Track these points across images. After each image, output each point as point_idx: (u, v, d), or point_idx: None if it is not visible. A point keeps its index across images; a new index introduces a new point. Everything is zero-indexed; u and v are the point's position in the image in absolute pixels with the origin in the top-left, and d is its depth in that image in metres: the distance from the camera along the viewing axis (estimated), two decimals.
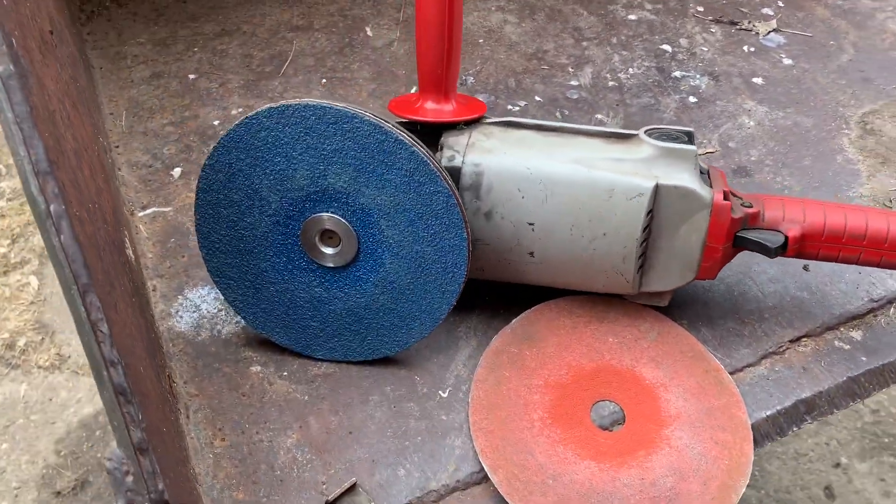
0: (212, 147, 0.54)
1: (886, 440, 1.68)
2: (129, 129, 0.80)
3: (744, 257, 0.67)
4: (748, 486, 1.63)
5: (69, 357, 1.80)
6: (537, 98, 0.82)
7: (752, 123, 0.79)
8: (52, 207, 0.38)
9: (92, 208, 0.46)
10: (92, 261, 0.40)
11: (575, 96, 0.82)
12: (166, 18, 0.94)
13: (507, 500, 0.52)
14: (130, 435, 0.38)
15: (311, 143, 0.52)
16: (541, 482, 0.52)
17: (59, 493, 1.67)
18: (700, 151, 0.76)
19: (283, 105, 0.51)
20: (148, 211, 0.71)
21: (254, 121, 0.52)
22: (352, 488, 0.51)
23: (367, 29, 0.92)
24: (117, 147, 0.78)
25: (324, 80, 0.85)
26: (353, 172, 0.53)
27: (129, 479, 0.37)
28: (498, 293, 0.64)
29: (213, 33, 0.91)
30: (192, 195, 0.72)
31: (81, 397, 1.85)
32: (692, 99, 0.82)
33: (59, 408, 1.77)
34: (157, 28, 0.92)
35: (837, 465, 1.65)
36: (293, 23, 0.93)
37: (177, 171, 0.75)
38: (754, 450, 0.55)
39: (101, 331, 0.38)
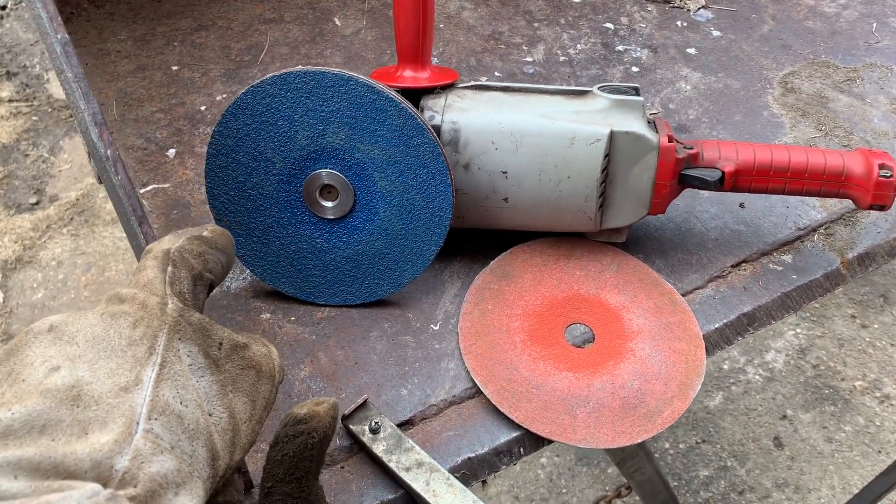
0: (220, 116, 0.60)
1: (827, 391, 1.81)
2: (120, 116, 0.85)
3: (688, 200, 0.76)
4: (705, 442, 1.74)
5: None
6: (497, 73, 0.91)
7: (688, 88, 0.89)
8: (108, 152, 0.44)
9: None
10: (139, 199, 0.46)
11: (531, 71, 0.91)
12: (143, 17, 0.99)
13: (499, 407, 0.59)
14: None
15: (310, 106, 0.59)
16: (526, 391, 0.60)
17: None
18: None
19: (286, 72, 0.58)
20: (149, 188, 0.77)
21: (258, 88, 0.59)
22: (363, 404, 0.58)
23: (336, 19, 0.99)
24: (112, 133, 0.83)
25: (299, 66, 0.91)
26: (348, 130, 0.60)
27: None
28: (477, 242, 0.72)
29: (190, 28, 0.97)
30: (188, 172, 0.78)
31: None
32: (635, 69, 0.91)
33: None
34: (135, 26, 0.98)
35: (784, 416, 1.77)
36: (265, 16, 1.00)
37: (171, 152, 0.81)
38: (706, 357, 0.64)
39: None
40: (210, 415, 0.37)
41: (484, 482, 0.56)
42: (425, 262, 0.65)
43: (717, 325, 0.65)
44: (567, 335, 0.65)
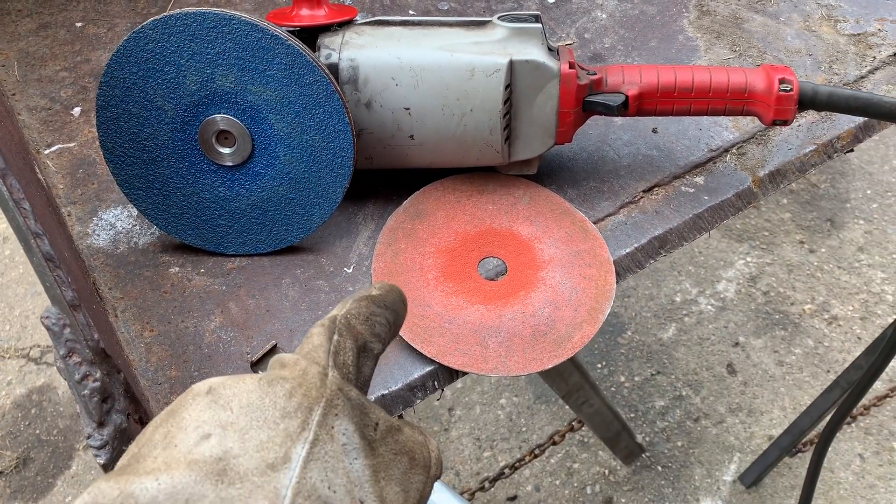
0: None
1: (777, 317, 1.85)
2: (23, 77, 0.83)
3: (602, 128, 0.75)
4: (659, 374, 1.77)
5: None
6: (411, 12, 0.89)
7: (604, 16, 0.88)
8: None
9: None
10: (8, 155, 0.45)
11: (445, 7, 0.89)
12: None
13: (412, 344, 0.59)
14: (63, 293, 0.43)
15: (196, 49, 0.58)
16: (439, 326, 0.60)
17: (1, 472, 1.68)
18: (560, 44, 0.84)
19: (166, 16, 0.57)
20: (53, 148, 0.75)
21: (140, 34, 0.57)
22: (273, 349, 0.58)
23: None
24: (14, 95, 0.81)
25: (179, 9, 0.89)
26: (237, 72, 0.58)
27: (67, 330, 0.43)
28: (392, 183, 0.71)
29: None
30: (94, 130, 0.76)
31: (12, 379, 1.84)
32: (550, 0, 0.90)
33: None
34: None
35: (736, 344, 1.81)
36: None
37: (77, 111, 0.79)
38: (618, 281, 0.64)
39: (25, 207, 0.43)
40: (361, 502, 0.34)
41: (400, 416, 0.56)
42: (332, 205, 0.64)
43: (628, 250, 0.66)
44: (480, 269, 0.65)
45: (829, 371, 1.73)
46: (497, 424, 1.70)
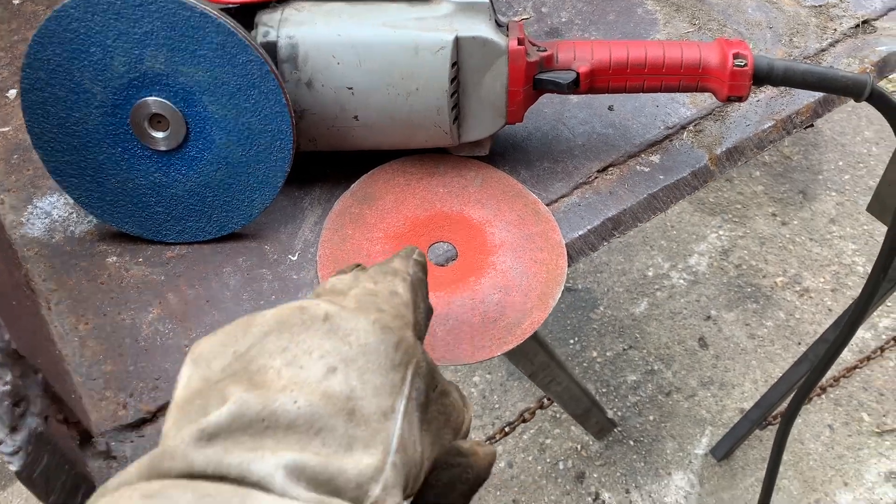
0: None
1: (749, 290, 1.85)
2: None
3: (557, 106, 0.73)
4: (631, 348, 1.76)
5: None
6: None
7: None
8: None
9: None
10: None
11: None
12: None
13: None
14: None
15: (122, 29, 0.55)
16: None
17: None
18: (516, 19, 0.81)
19: None
20: None
21: (62, 13, 0.54)
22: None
23: None
24: None
25: None
26: (167, 53, 0.56)
27: None
28: (340, 165, 0.69)
29: None
30: None
31: None
32: None
33: None
34: None
35: (708, 317, 1.81)
36: None
37: (12, 93, 0.76)
38: (570, 265, 0.63)
39: None
40: (417, 452, 0.37)
41: None
42: (274, 190, 0.62)
43: (581, 233, 0.64)
44: (430, 254, 0.63)
45: (800, 343, 1.74)
46: (470, 402, 1.69)
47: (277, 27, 0.60)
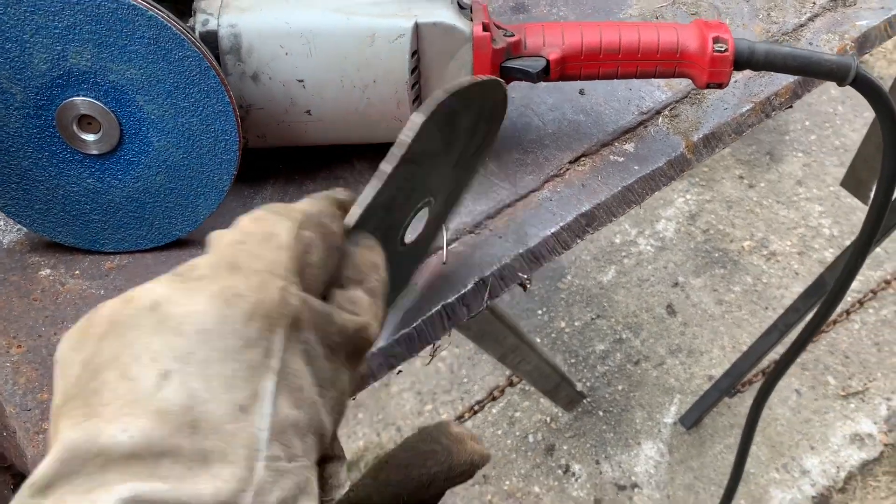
0: None
1: (716, 255, 1.84)
2: None
3: (524, 91, 0.69)
4: (599, 317, 1.73)
5: None
6: None
7: None
8: None
9: None
10: None
11: None
12: None
13: None
14: None
15: (40, 23, 0.49)
16: None
17: None
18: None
19: None
20: None
21: None
22: None
23: None
24: None
25: None
26: (93, 49, 0.50)
27: None
28: (294, 160, 0.64)
29: None
30: None
31: None
32: None
33: None
34: None
35: (676, 284, 1.79)
36: None
37: None
38: (542, 264, 0.59)
39: None
40: (322, 397, 0.32)
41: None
42: (220, 193, 0.57)
43: (553, 230, 0.60)
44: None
45: (766, 308, 1.74)
46: (438, 377, 1.67)
47: (218, 14, 0.55)
